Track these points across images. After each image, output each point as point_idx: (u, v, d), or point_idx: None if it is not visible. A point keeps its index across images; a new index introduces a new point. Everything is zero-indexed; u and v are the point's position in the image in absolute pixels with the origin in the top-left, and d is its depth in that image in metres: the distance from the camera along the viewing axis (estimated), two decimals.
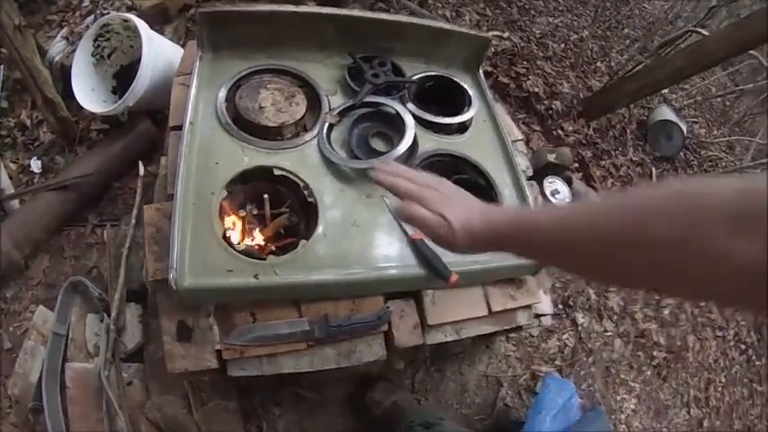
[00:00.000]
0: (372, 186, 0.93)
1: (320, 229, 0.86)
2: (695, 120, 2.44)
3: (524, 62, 1.93)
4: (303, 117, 0.97)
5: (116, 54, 1.30)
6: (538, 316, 1.15)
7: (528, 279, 1.05)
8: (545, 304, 1.14)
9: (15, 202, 1.19)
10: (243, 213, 0.87)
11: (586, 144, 1.91)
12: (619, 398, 1.42)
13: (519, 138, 1.25)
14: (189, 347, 0.85)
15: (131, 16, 1.16)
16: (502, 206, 0.55)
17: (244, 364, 0.86)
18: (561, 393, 1.14)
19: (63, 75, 1.29)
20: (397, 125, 0.97)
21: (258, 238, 0.87)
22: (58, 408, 1.02)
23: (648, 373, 1.52)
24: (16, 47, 1.13)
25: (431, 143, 1.03)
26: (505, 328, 1.05)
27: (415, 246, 0.89)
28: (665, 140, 2.09)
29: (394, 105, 0.99)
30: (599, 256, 0.36)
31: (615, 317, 1.56)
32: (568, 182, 1.41)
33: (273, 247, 0.89)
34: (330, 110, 0.98)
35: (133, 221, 1.09)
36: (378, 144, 0.97)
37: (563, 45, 2.19)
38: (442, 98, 1.13)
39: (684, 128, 2.07)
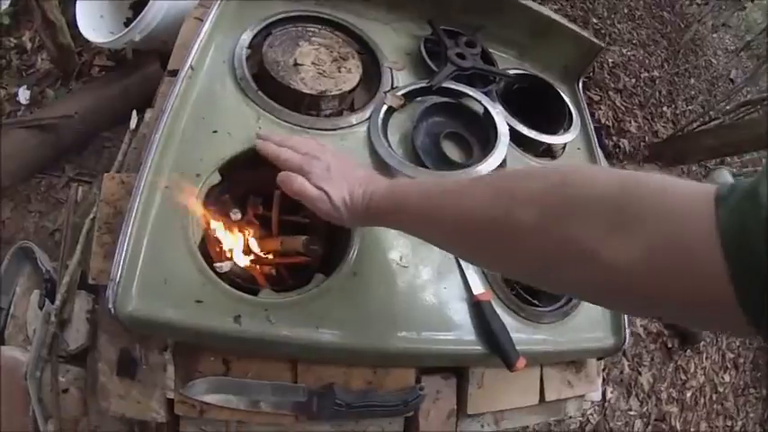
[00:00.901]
0: None
1: (350, 260, 0.49)
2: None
3: (597, 89, 1.54)
4: (353, 90, 0.59)
5: None
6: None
7: (589, 362, 0.69)
8: (597, 392, 0.78)
9: None
10: (236, 215, 0.50)
11: None
12: None
13: None
14: (130, 387, 0.51)
15: None
16: (380, 177, 0.41)
17: (203, 424, 0.52)
18: None
19: None
20: (482, 129, 0.60)
21: (252, 253, 0.50)
22: None
23: None
24: None
25: (515, 162, 0.65)
26: (552, 419, 0.70)
27: (480, 309, 0.52)
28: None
29: (483, 101, 0.61)
30: (465, 236, 0.33)
31: (642, 395, 1.21)
32: None
33: (273, 271, 0.52)
34: (393, 88, 0.60)
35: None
36: (452, 150, 0.59)
37: (634, 80, 1.78)
38: (531, 107, 0.74)
39: (729, 175, 1.68)
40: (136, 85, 0.86)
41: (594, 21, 1.83)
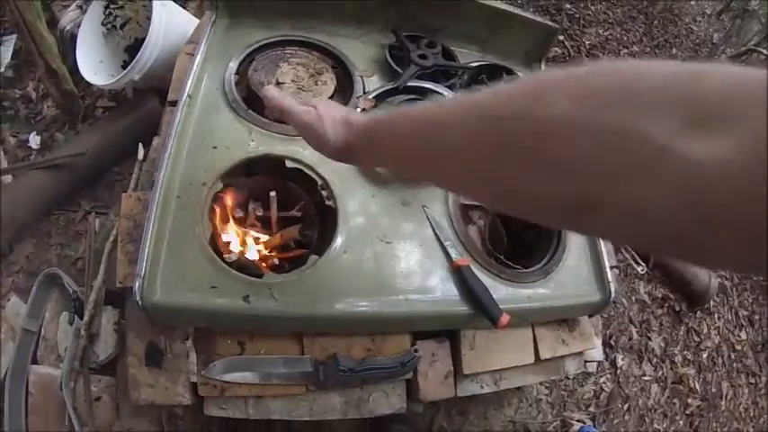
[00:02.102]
0: (411, 192, 0.66)
1: (339, 241, 0.59)
2: None
3: None
4: (330, 99, 0.70)
5: (130, 25, 1.06)
6: (585, 362, 0.86)
7: (582, 320, 0.77)
8: (597, 350, 0.85)
9: (8, 178, 0.96)
10: (240, 214, 0.60)
11: None
12: None
13: None
14: (158, 375, 0.60)
15: None
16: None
17: (224, 402, 0.61)
18: None
19: (74, 45, 1.05)
20: None
21: (256, 250, 0.60)
22: (20, 412, 0.79)
23: (681, 422, 1.21)
24: (18, 8, 0.89)
25: None
26: (552, 378, 0.77)
27: (461, 274, 0.61)
28: None
29: (444, 93, 0.71)
30: (481, 149, 0.24)
31: (655, 359, 1.25)
32: None
33: (276, 260, 0.62)
34: (365, 93, 0.71)
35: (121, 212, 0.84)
36: None
37: (614, 58, 1.88)
38: None
39: None
40: (139, 121, 0.98)
41: (568, 6, 1.95)
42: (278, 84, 0.69)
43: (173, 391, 0.59)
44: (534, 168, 0.21)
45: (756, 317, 1.56)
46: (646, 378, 1.20)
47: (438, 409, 0.96)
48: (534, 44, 0.90)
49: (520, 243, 0.74)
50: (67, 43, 1.08)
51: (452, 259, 0.62)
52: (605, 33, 1.98)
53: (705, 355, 1.36)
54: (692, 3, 2.62)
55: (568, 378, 1.08)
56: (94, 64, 0.99)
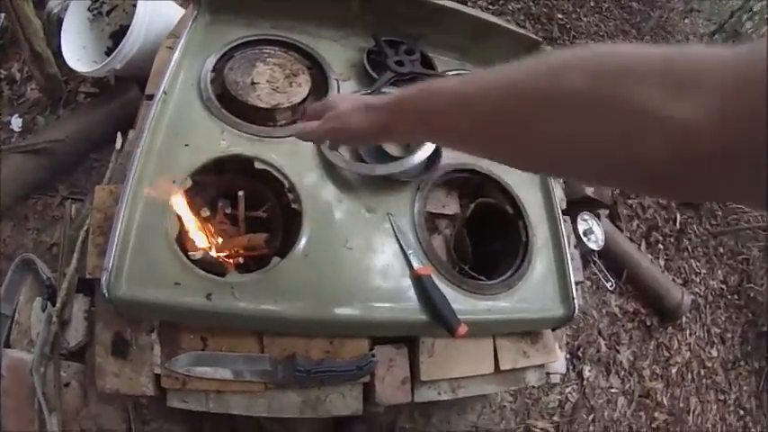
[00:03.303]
0: (377, 199, 0.68)
1: (301, 245, 0.61)
2: None
3: None
4: (303, 102, 0.72)
5: (116, 12, 1.07)
6: (548, 374, 0.89)
7: (545, 333, 0.80)
8: (560, 363, 0.88)
9: None
10: (206, 213, 0.62)
11: None
12: None
13: None
14: (123, 366, 0.63)
15: None
16: None
17: (186, 396, 0.63)
18: None
19: (59, 29, 1.06)
20: None
21: (220, 248, 0.63)
22: None
23: None
24: None
25: (455, 154, 0.77)
26: (512, 388, 0.80)
27: (420, 283, 0.64)
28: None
29: None
30: (506, 113, 0.29)
31: (623, 372, 1.30)
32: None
33: (240, 260, 0.64)
34: None
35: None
36: (392, 147, 0.71)
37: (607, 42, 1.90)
38: None
39: None
40: (119, 109, 0.99)
41: (560, 16, 1.96)
42: (252, 83, 0.71)
43: (137, 382, 0.62)
44: (560, 131, 0.26)
45: (728, 335, 1.61)
46: (612, 390, 1.25)
47: (400, 411, 0.99)
48: (516, 55, 0.91)
49: (486, 254, 0.77)
50: (54, 26, 1.09)
51: (413, 268, 0.64)
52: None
53: (674, 371, 1.40)
54: (686, 21, 2.64)
55: (533, 387, 1.12)
56: (78, 50, 0.99)
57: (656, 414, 1.30)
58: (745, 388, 1.56)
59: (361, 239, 0.64)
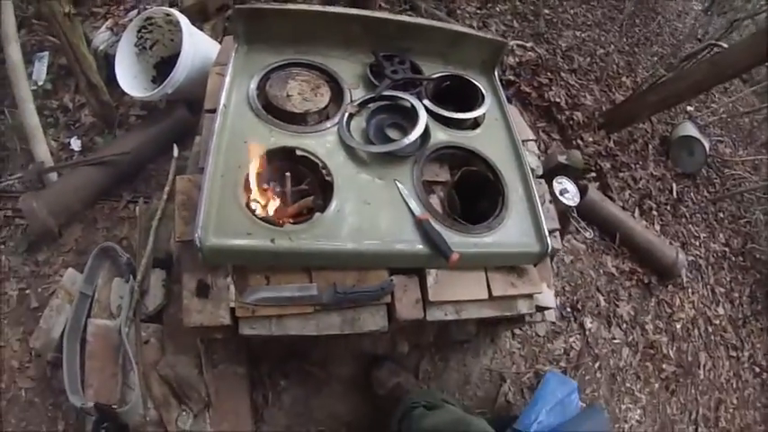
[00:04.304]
0: (385, 170, 1.07)
1: (334, 204, 0.99)
2: (720, 139, 2.49)
3: (548, 73, 2.06)
4: (326, 107, 1.12)
5: (157, 46, 1.50)
6: (541, 309, 1.23)
7: (530, 269, 1.15)
8: (547, 296, 1.22)
9: (54, 176, 1.37)
10: (265, 187, 1.01)
11: (606, 156, 2.00)
12: (624, 407, 1.46)
13: (531, 138, 1.36)
14: (205, 304, 0.97)
15: (173, 11, 1.35)
16: None
17: (254, 323, 0.98)
18: (561, 389, 1.21)
19: (106, 63, 1.49)
20: (411, 117, 1.11)
21: (278, 210, 1.01)
22: (76, 361, 1.15)
23: (656, 385, 1.55)
24: (65, 33, 1.31)
25: (444, 136, 1.16)
26: (506, 314, 1.14)
27: (421, 226, 1.00)
28: (687, 157, 2.15)
29: (410, 99, 1.13)
30: None
31: (624, 325, 1.61)
32: (583, 190, 1.49)
33: (291, 220, 1.02)
34: (351, 101, 1.13)
35: (165, 197, 1.25)
36: (393, 133, 1.10)
37: (589, 59, 2.31)
38: (458, 98, 1.26)
39: (707, 145, 2.14)
40: (170, 126, 1.39)
41: (546, 11, 2.40)
42: (288, 96, 1.11)
43: (216, 315, 0.96)
44: None
45: (735, 294, 1.90)
46: (616, 341, 1.56)
47: (422, 355, 1.33)
48: (487, 56, 1.32)
49: (472, 210, 1.13)
50: (101, 60, 1.52)
51: (415, 215, 1.02)
52: (583, 35, 2.42)
53: (679, 326, 1.70)
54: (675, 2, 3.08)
55: (538, 335, 1.45)
56: (130, 79, 1.42)
57: (663, 366, 1.60)
58: (758, 345, 1.84)
59: (376, 198, 1.01)
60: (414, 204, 1.03)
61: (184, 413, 1.10)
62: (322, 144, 1.06)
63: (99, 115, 1.47)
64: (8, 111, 1.47)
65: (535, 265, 1.15)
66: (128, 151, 1.32)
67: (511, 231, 1.10)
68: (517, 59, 2.00)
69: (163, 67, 1.47)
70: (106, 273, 1.25)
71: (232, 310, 0.97)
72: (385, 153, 1.06)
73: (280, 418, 1.24)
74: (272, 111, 1.07)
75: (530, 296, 1.15)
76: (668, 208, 2.00)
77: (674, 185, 2.09)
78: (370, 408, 1.25)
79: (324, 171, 1.03)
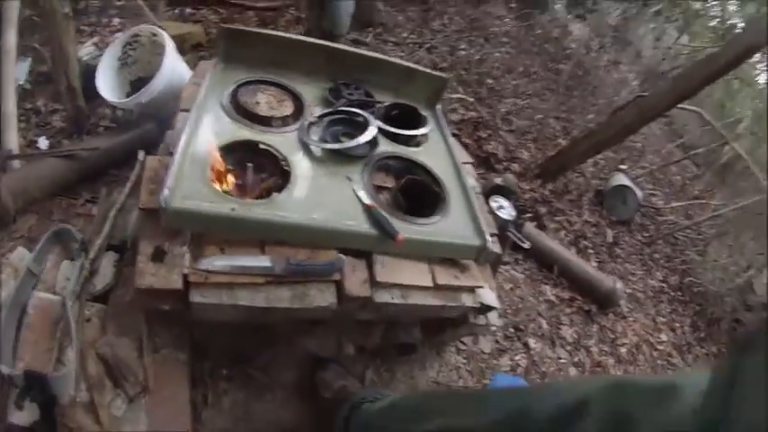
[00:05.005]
0: (338, 168, 1.30)
1: (291, 186, 1.19)
2: (653, 192, 2.98)
3: (488, 131, 2.49)
4: (289, 116, 1.38)
5: (137, 65, 1.76)
6: (485, 309, 1.40)
7: (471, 266, 1.35)
8: (489, 294, 1.40)
9: (17, 165, 1.48)
10: (230, 169, 1.21)
11: (542, 202, 2.34)
12: None
13: (469, 161, 1.67)
14: (159, 268, 1.05)
15: (160, 31, 1.64)
16: None
17: (206, 291, 1.06)
18: (510, 381, 1.33)
19: (86, 74, 1.71)
20: (363, 127, 1.38)
21: (239, 188, 1.19)
22: (11, 333, 1.11)
23: None
24: (59, 33, 1.54)
25: (392, 148, 1.44)
26: (451, 304, 1.30)
27: (370, 212, 1.21)
28: (620, 205, 2.56)
29: (362, 113, 1.42)
30: None
31: (569, 347, 1.78)
32: (520, 216, 1.78)
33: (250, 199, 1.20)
34: (311, 114, 1.41)
35: (126, 191, 1.39)
36: (345, 139, 1.36)
37: (527, 122, 2.82)
38: (405, 124, 1.56)
39: (640, 194, 2.57)
40: (138, 136, 1.56)
41: (489, 81, 2.97)
42: (256, 103, 1.37)
43: (169, 279, 1.06)
44: None
45: (677, 324, 2.13)
46: (562, 360, 1.70)
47: (368, 364, 1.42)
48: (432, 92, 1.67)
49: (418, 209, 1.37)
50: (83, 70, 1.74)
51: (364, 203, 1.23)
52: (522, 103, 2.98)
53: (624, 350, 1.88)
54: (614, 74, 3.86)
55: (483, 353, 1.58)
56: (108, 88, 1.64)
57: None
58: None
59: (329, 187, 1.22)
60: (363, 194, 1.25)
61: (119, 398, 1.11)
62: (283, 141, 1.29)
63: (71, 119, 1.65)
64: None
65: (476, 262, 1.36)
66: (96, 147, 1.49)
67: (451, 224, 1.32)
68: (459, 116, 2.42)
69: (139, 85, 1.71)
70: (56, 257, 1.31)
71: (185, 277, 1.08)
72: (337, 152, 1.31)
73: (218, 421, 1.25)
74: (242, 111, 1.32)
75: (472, 290, 1.34)
76: (604, 249, 2.32)
77: (609, 231, 2.45)
78: (313, 415, 1.29)
79: (283, 163, 1.25)
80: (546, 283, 1.91)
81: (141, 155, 1.49)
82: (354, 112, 1.42)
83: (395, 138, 1.46)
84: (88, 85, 1.65)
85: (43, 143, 1.58)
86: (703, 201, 2.89)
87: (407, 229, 1.23)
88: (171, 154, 1.17)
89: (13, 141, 1.47)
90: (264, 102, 1.38)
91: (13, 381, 1.01)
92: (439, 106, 1.68)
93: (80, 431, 1.05)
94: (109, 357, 1.12)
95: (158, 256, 1.08)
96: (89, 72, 1.68)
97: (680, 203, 2.88)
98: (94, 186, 1.49)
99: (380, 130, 1.42)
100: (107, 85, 1.63)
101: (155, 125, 1.64)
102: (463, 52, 2.79)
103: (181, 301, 1.10)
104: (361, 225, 1.19)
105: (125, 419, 1.09)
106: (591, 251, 2.23)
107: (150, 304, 1.11)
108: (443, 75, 1.70)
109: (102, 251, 1.27)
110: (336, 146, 1.29)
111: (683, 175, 3.25)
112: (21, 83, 1.69)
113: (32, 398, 0.98)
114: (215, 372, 1.28)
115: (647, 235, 2.58)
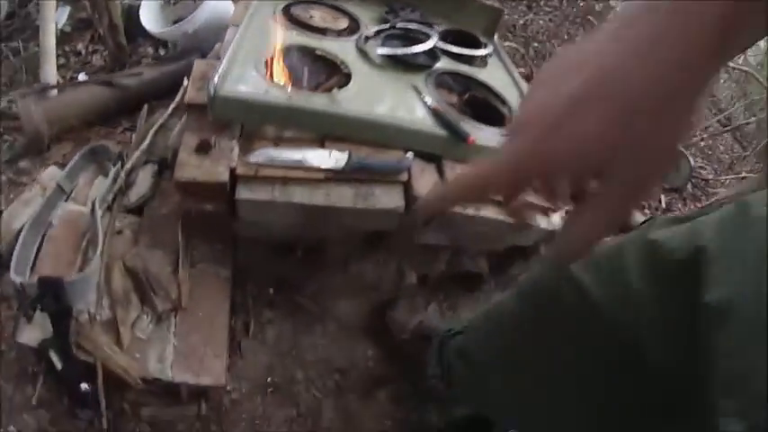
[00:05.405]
0: (400, 75, 1.18)
1: (353, 85, 1.07)
2: (702, 166, 2.77)
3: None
4: (344, 30, 1.29)
5: (180, 4, 1.72)
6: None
7: None
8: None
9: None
10: (288, 64, 1.10)
11: None
12: None
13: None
14: (203, 159, 0.95)
15: None
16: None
17: (255, 186, 0.95)
18: None
19: (128, 14, 1.67)
20: (422, 40, 1.27)
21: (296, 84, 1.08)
22: (32, 247, 1.02)
23: None
24: None
25: (450, 65, 1.31)
26: (524, 222, 1.13)
27: (437, 114, 1.08)
28: (673, 171, 2.36)
29: (421, 28, 1.32)
30: None
31: None
32: None
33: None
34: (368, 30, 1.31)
35: (169, 111, 1.30)
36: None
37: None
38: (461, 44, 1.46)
39: (692, 161, 2.38)
40: (181, 68, 1.50)
41: (535, 44, 2.83)
42: (310, 17, 1.28)
43: (213, 172, 0.93)
44: None
45: None
46: None
47: (429, 300, 1.24)
48: (488, 23, 1.57)
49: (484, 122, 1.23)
50: (125, 10, 1.69)
51: (431, 106, 1.10)
52: None
53: None
54: None
55: None
56: (152, 22, 1.58)
57: None
58: None
59: (393, 91, 1.11)
60: (429, 99, 1.12)
61: (145, 317, 0.96)
62: (341, 49, 1.19)
63: (112, 55, 1.60)
64: (23, 44, 1.58)
65: None
66: (140, 72, 1.41)
67: None
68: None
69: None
70: (90, 174, 1.21)
71: (232, 171, 0.95)
72: (399, 60, 1.20)
73: (260, 355, 1.09)
74: (296, 21, 1.23)
75: (546, 212, 1.18)
76: (658, 214, 2.13)
77: (663, 196, 2.26)
78: (385, 358, 1.13)
79: (342, 66, 1.14)
80: None
81: (186, 81, 1.39)
82: (412, 29, 1.32)
83: (456, 57, 1.34)
84: (129, 25, 1.60)
85: (83, 78, 1.51)
86: (754, 175, 2.69)
87: (478, 135, 1.09)
88: (219, 59, 1.06)
89: (52, 75, 1.40)
90: (319, 17, 1.30)
91: (25, 291, 0.87)
92: (496, 37, 1.56)
93: (97, 352, 0.89)
94: (139, 270, 0.99)
95: (203, 148, 0.97)
96: (131, 12, 1.63)
97: (730, 176, 2.68)
98: (135, 117, 1.40)
99: (441, 50, 1.31)
100: (151, 19, 1.57)
101: (198, 56, 1.56)
102: (506, 16, 2.70)
103: (226, 202, 0.96)
104: (430, 126, 1.06)
105: (149, 343, 0.94)
106: (647, 211, 2.05)
107: (190, 205, 0.98)
108: (497, 6, 1.59)
109: (140, 162, 1.16)
110: (399, 51, 1.18)
111: (730, 154, 3.05)
112: (60, 26, 1.64)
113: (44, 306, 0.83)
114: (259, 297, 1.13)
115: (698, 205, 2.38)
